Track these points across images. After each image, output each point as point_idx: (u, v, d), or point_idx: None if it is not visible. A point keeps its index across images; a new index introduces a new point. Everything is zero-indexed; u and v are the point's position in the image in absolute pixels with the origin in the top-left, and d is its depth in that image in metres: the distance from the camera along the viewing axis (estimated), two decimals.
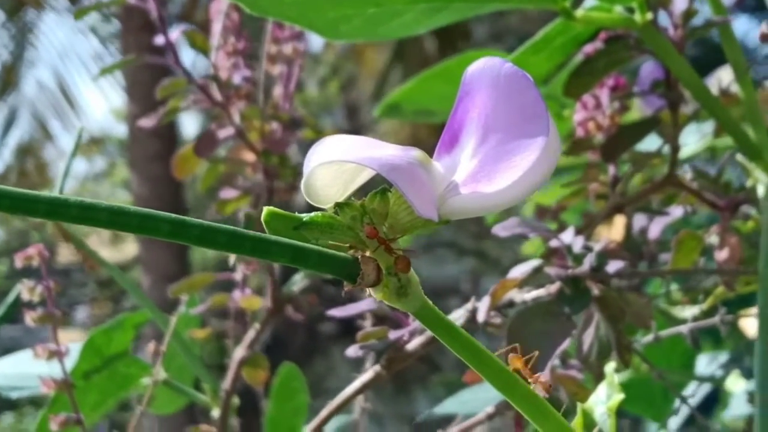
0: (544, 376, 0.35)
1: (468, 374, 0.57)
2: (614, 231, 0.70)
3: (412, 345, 0.54)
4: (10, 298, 0.74)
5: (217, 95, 0.69)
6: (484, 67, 0.31)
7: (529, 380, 0.34)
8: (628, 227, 0.68)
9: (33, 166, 6.44)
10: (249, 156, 0.71)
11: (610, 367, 0.42)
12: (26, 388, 0.79)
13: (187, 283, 0.74)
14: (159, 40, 0.69)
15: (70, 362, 0.66)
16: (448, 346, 0.33)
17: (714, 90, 0.62)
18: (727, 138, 0.64)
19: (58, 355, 0.62)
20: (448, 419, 0.65)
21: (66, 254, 5.76)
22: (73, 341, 0.74)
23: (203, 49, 0.70)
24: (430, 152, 0.32)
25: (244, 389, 0.74)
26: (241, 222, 0.64)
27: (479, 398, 0.76)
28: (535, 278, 0.53)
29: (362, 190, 0.32)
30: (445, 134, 0.32)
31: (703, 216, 0.81)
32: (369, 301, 0.54)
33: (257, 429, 0.85)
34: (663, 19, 0.60)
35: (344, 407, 0.56)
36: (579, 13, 0.58)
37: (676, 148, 0.60)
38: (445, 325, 0.33)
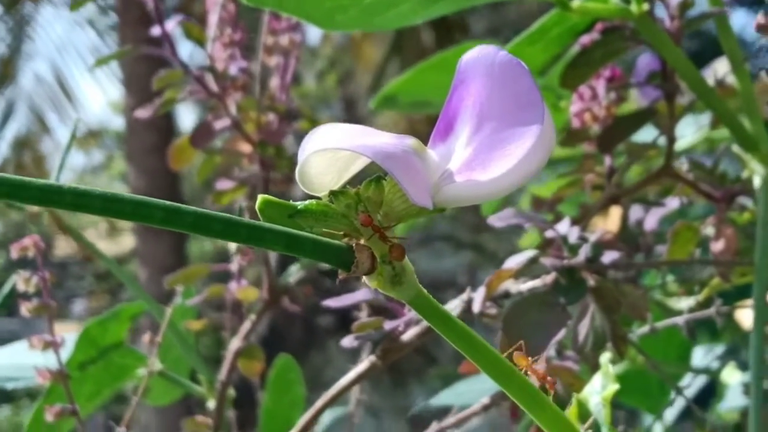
0: (540, 366, 0.35)
1: (464, 365, 0.57)
2: (610, 222, 0.70)
3: (408, 335, 0.54)
4: (6, 289, 0.74)
5: (214, 86, 0.69)
6: (479, 56, 0.31)
7: (536, 378, 0.34)
8: (625, 218, 0.68)
9: (30, 159, 6.43)
10: (245, 147, 0.71)
11: (605, 357, 0.42)
12: (22, 379, 0.79)
13: (183, 274, 0.74)
14: (155, 30, 0.69)
15: (65, 353, 0.67)
16: (443, 336, 0.33)
17: (710, 81, 0.62)
18: (723, 130, 0.64)
19: (53, 345, 0.62)
20: (444, 411, 0.65)
21: (63, 247, 5.76)
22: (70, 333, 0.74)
23: (199, 40, 0.70)
24: (426, 144, 0.32)
25: (240, 381, 0.74)
26: (236, 213, 0.64)
27: (475, 390, 0.76)
28: (530, 269, 0.53)
29: (357, 178, 0.32)
30: (439, 122, 0.32)
31: (700, 208, 0.81)
32: (365, 291, 0.54)
33: (254, 421, 0.85)
34: (660, 11, 0.60)
35: (339, 398, 0.56)
36: (575, 3, 0.58)
37: (672, 139, 0.60)
38: (439, 315, 0.33)
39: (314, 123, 0.74)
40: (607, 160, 0.63)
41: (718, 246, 0.59)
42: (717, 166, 0.61)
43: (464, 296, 0.53)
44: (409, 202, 0.30)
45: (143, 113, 0.70)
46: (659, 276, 0.71)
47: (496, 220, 0.54)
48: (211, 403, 0.71)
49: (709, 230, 0.60)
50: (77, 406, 0.61)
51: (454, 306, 0.53)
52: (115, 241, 6.26)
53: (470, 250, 5.69)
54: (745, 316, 0.77)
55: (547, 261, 0.52)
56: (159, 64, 0.70)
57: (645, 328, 0.67)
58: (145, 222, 0.28)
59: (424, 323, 0.52)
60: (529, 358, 0.35)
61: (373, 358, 0.54)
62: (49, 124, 6.15)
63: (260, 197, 0.30)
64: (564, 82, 0.61)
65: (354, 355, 0.65)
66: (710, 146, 0.79)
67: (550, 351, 0.53)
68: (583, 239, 0.53)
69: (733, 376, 0.84)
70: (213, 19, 0.72)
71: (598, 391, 0.40)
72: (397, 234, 0.31)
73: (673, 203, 0.67)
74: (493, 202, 0.79)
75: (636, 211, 0.69)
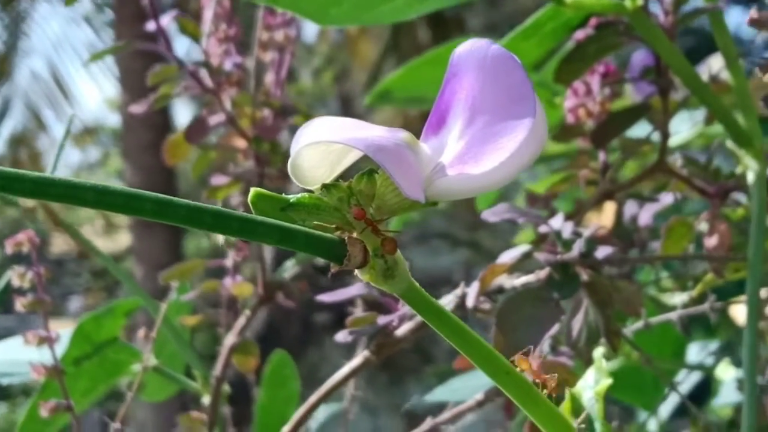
0: (534, 361, 0.35)
1: (458, 360, 0.57)
2: (604, 217, 0.70)
3: (402, 330, 0.54)
4: (1, 285, 0.74)
5: (209, 82, 0.69)
6: (471, 49, 0.31)
7: (537, 380, 0.34)
8: (619, 214, 0.68)
9: (26, 156, 6.42)
10: (240, 143, 0.71)
11: (598, 352, 0.42)
12: (17, 374, 0.79)
13: (179, 270, 0.74)
14: (150, 26, 0.69)
15: (60, 348, 0.66)
16: (435, 329, 0.33)
17: (704, 77, 0.62)
18: (718, 126, 0.64)
19: (48, 341, 0.62)
20: (440, 407, 0.65)
21: (60, 244, 5.76)
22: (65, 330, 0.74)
23: (194, 36, 0.70)
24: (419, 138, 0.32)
25: (236, 378, 0.74)
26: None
27: (469, 386, 0.76)
28: (524, 264, 0.53)
29: (350, 172, 0.32)
30: (432, 116, 0.32)
31: (695, 203, 0.81)
32: (359, 285, 0.54)
33: (249, 417, 0.85)
34: (654, 6, 0.60)
35: (333, 393, 0.56)
36: None
37: (666, 135, 0.60)
38: (432, 309, 0.33)
39: (309, 118, 0.73)
40: (602, 156, 0.63)
41: (711, 242, 0.59)
42: (711, 161, 0.61)
43: (458, 291, 0.53)
44: (402, 196, 0.30)
45: (138, 108, 0.70)
46: (653, 272, 0.71)
47: (490, 215, 0.54)
48: (206, 399, 0.71)
49: (703, 226, 0.60)
50: (72, 401, 0.61)
51: (447, 301, 0.53)
52: (112, 238, 6.25)
53: (467, 248, 5.69)
54: (740, 312, 0.77)
55: (540, 256, 0.52)
56: (155, 60, 0.69)
57: (639, 324, 0.67)
58: (136, 214, 0.28)
59: (418, 318, 0.52)
60: (530, 360, 0.35)
61: (366, 353, 0.54)
62: (45, 121, 6.14)
63: (253, 190, 0.30)
64: (558, 77, 0.61)
65: (350, 352, 0.65)
66: (706, 142, 0.79)
67: (544, 346, 0.53)
68: (576, 234, 0.53)
69: (727, 373, 0.84)
70: (208, 14, 0.72)
71: (591, 385, 0.40)
72: (392, 230, 0.31)
73: (667, 199, 0.67)
74: (487, 197, 0.79)
75: (630, 207, 0.69)
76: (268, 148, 0.70)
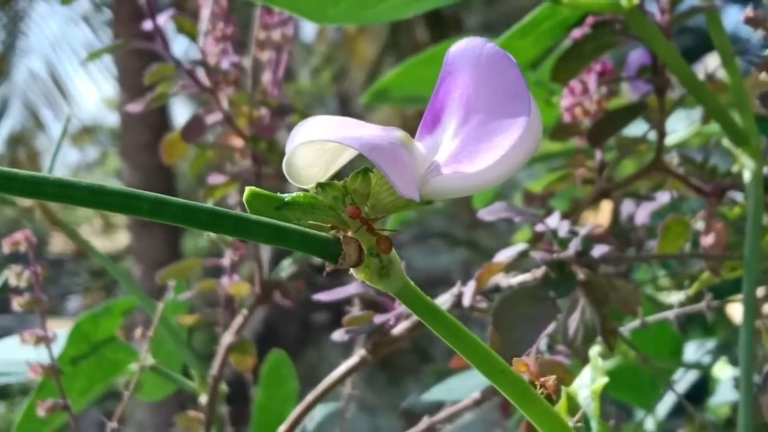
0: (530, 360, 0.35)
1: (455, 360, 0.57)
2: (601, 216, 0.70)
3: (398, 329, 0.54)
4: None
5: (206, 81, 0.69)
6: (466, 48, 0.31)
7: (536, 383, 0.34)
8: (616, 213, 0.68)
9: (25, 155, 6.41)
10: (237, 142, 0.71)
11: (594, 351, 0.42)
12: (14, 374, 0.79)
13: (176, 269, 0.74)
14: (147, 25, 0.69)
15: (57, 348, 0.66)
16: (430, 327, 0.33)
17: (701, 76, 0.62)
18: (714, 124, 0.64)
19: (45, 340, 0.62)
20: (438, 406, 0.65)
21: (58, 244, 5.76)
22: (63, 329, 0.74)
23: (191, 34, 0.70)
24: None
25: (233, 377, 0.74)
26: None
27: (467, 385, 0.76)
28: (520, 263, 0.53)
29: (345, 171, 0.32)
30: (427, 114, 0.32)
31: (691, 202, 0.81)
32: (356, 285, 0.54)
33: (247, 416, 0.85)
34: (651, 5, 0.60)
35: (330, 392, 0.56)
36: None
37: (662, 134, 0.60)
38: (428, 307, 0.33)
39: (306, 117, 0.73)
40: (598, 155, 0.63)
41: (708, 240, 0.59)
42: (707, 160, 0.61)
43: (455, 290, 0.53)
44: (397, 195, 0.30)
45: (135, 107, 0.70)
46: (650, 270, 0.71)
47: (487, 214, 0.54)
48: (204, 398, 0.71)
49: (699, 225, 0.60)
50: (69, 401, 0.61)
51: (444, 300, 0.53)
52: (110, 238, 6.25)
53: (465, 248, 5.69)
54: (737, 310, 0.77)
55: (537, 255, 0.52)
56: (153, 60, 0.69)
57: (636, 323, 0.67)
58: (132, 213, 0.28)
59: (415, 317, 0.52)
60: (528, 362, 0.35)
61: (363, 352, 0.54)
62: (44, 121, 6.13)
63: (248, 189, 0.30)
64: (555, 76, 0.61)
65: (349, 351, 0.65)
66: (702, 141, 0.79)
67: (541, 345, 0.53)
68: (573, 233, 0.53)
69: (724, 371, 0.84)
70: (205, 13, 0.72)
71: (587, 384, 0.40)
72: (388, 228, 0.31)
73: (663, 198, 0.67)
74: (484, 196, 0.79)
75: (627, 206, 0.69)
76: (265, 148, 0.70)
